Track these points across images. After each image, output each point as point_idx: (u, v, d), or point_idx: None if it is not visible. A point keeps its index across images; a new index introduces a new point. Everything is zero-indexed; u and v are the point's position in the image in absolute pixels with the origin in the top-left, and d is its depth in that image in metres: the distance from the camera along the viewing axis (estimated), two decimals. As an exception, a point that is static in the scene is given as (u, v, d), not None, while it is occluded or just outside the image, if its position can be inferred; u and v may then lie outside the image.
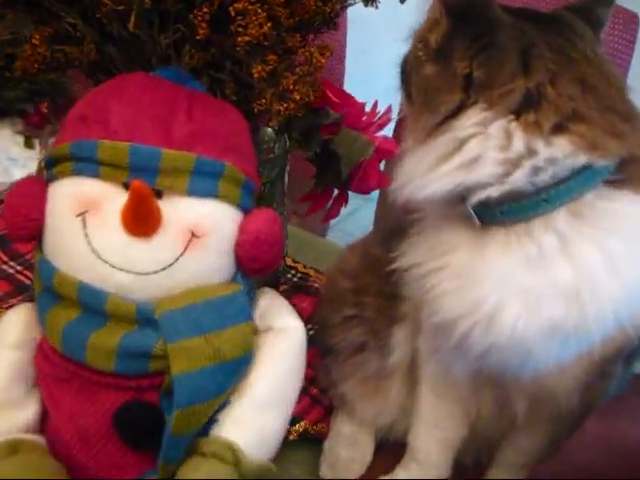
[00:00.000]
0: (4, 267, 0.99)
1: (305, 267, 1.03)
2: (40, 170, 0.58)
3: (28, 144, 1.18)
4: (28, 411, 0.60)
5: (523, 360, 0.52)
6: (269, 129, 0.84)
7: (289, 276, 1.02)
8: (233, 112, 0.60)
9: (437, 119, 0.51)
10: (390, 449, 0.76)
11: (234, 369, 0.55)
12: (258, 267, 0.57)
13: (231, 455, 0.54)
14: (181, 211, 0.54)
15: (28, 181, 0.57)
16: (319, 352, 0.80)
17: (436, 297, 0.54)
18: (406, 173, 0.54)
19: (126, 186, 0.54)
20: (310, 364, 0.82)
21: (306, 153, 0.84)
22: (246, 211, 0.58)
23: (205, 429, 0.56)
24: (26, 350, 0.60)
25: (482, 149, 0.49)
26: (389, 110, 0.86)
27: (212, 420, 0.56)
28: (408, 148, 0.55)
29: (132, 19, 0.59)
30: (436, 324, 0.55)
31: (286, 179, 0.87)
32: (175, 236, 0.54)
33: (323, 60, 0.61)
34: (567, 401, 0.59)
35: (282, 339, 0.60)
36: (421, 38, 0.54)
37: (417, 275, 0.56)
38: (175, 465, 0.54)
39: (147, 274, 0.54)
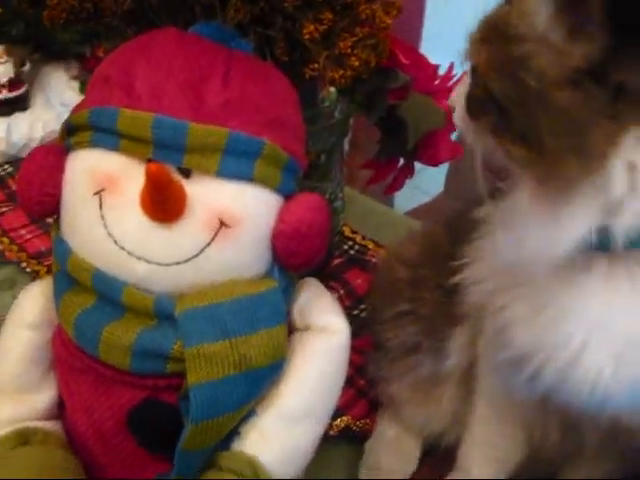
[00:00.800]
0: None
1: (364, 238, 0.95)
2: (61, 136, 0.51)
3: (83, 89, 1.12)
4: (44, 395, 0.55)
5: (602, 404, 0.43)
6: (332, 89, 0.75)
7: (345, 247, 0.94)
8: (280, 78, 0.51)
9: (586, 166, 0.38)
10: (437, 457, 0.68)
11: (261, 378, 0.48)
12: (298, 262, 0.50)
13: (251, 471, 0.48)
14: (210, 195, 0.47)
15: (45, 149, 0.51)
16: (372, 341, 0.72)
17: (508, 325, 0.45)
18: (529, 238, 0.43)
19: (149, 161, 0.46)
20: (360, 351, 0.75)
21: (370, 119, 0.74)
22: (287, 196, 0.50)
23: (227, 441, 0.49)
24: (43, 330, 0.55)
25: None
26: (465, 74, 0.75)
27: (234, 432, 0.49)
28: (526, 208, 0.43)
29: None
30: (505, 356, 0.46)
31: (346, 147, 0.78)
32: (202, 224, 0.47)
33: (389, 20, 0.51)
34: None
35: (322, 341, 0.53)
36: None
37: (485, 292, 0.47)
38: (191, 477, 0.48)
39: (168, 265, 0.47)
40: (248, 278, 0.49)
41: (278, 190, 0.49)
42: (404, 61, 0.70)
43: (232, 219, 0.47)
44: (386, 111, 0.74)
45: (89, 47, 1.11)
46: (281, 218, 0.49)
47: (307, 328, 0.54)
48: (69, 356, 0.53)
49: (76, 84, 1.11)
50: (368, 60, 0.53)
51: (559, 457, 0.60)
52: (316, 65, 0.53)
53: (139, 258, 0.47)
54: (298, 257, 0.49)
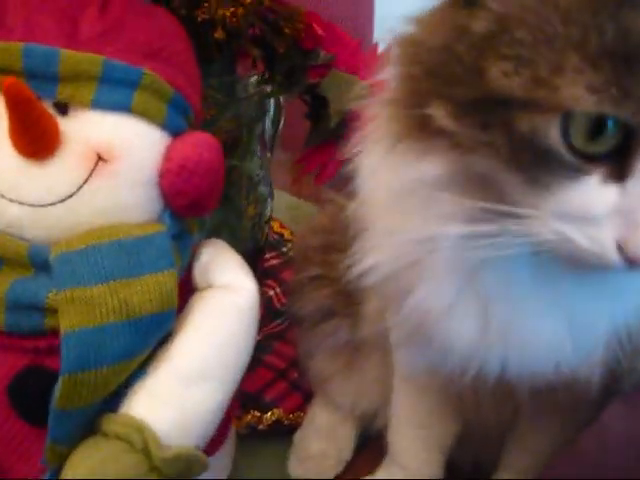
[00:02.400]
0: None
1: (292, 233, 0.92)
2: None
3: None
4: None
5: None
6: (252, 78, 0.73)
7: (284, 250, 0.90)
8: (168, 17, 0.49)
9: None
10: (377, 445, 0.63)
11: (148, 329, 0.44)
12: (185, 203, 0.46)
13: (140, 439, 0.42)
14: (86, 128, 0.43)
15: None
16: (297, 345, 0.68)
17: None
18: None
19: (20, 98, 0.43)
20: (293, 343, 0.71)
21: (290, 97, 0.72)
22: (176, 134, 0.46)
23: (114, 405, 0.44)
24: None
25: None
26: (389, 49, 0.73)
27: (123, 394, 0.44)
28: None
29: None
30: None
31: (270, 132, 0.76)
32: (77, 159, 0.43)
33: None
34: (586, 389, 0.45)
35: (224, 298, 0.49)
36: None
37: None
38: (66, 448, 0.42)
39: (42, 206, 0.43)
40: (134, 222, 0.45)
41: (164, 126, 0.46)
42: (320, 33, 0.68)
43: (110, 153, 0.43)
44: (308, 90, 0.72)
45: None
46: (167, 156, 0.45)
47: (209, 286, 0.49)
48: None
49: None
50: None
51: (497, 430, 0.55)
52: (206, 5, 0.50)
53: (11, 200, 0.43)
54: (184, 197, 0.45)
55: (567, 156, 0.30)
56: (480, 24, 0.31)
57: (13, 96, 0.40)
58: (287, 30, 0.66)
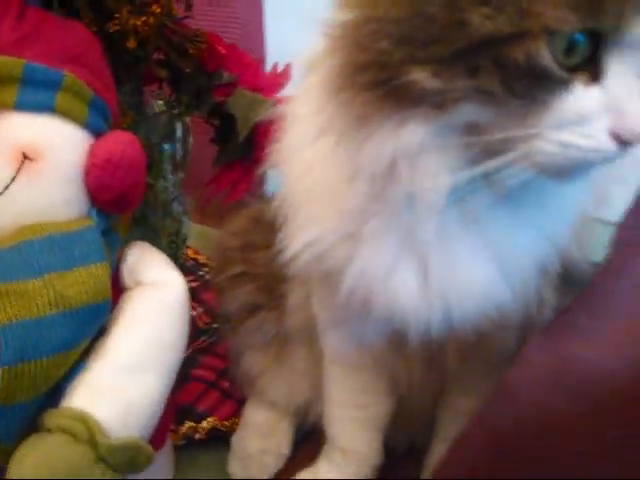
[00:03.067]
0: None
1: (209, 258, 0.93)
2: None
3: None
4: None
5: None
6: (159, 102, 0.76)
7: (201, 273, 0.92)
8: (81, 28, 0.51)
9: None
10: (316, 440, 0.65)
11: (84, 319, 0.44)
12: (111, 198, 0.47)
13: (85, 430, 0.42)
14: (9, 129, 0.44)
15: None
16: (227, 347, 0.70)
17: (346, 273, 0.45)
18: None
19: (-60, 103, 0.43)
20: (221, 356, 0.72)
21: (200, 114, 0.75)
22: (98, 135, 0.48)
23: (55, 402, 0.44)
24: None
25: None
26: (288, 68, 0.78)
27: (63, 389, 0.44)
28: None
29: None
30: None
31: (180, 153, 0.78)
32: (4, 158, 0.44)
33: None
34: (502, 344, 0.50)
35: (154, 293, 0.50)
36: None
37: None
38: (11, 445, 0.42)
39: (-31, 207, 0.43)
40: (62, 219, 0.46)
41: (86, 126, 0.47)
42: (222, 51, 0.72)
43: (36, 152, 0.45)
44: (214, 108, 0.75)
45: None
46: (91, 153, 0.47)
47: (137, 284, 0.51)
48: None
49: None
50: (168, 5, 0.53)
51: (427, 405, 0.58)
52: (117, 16, 0.52)
53: None
54: (110, 191, 0.47)
55: (557, 71, 0.34)
56: None
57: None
58: (191, 51, 0.69)
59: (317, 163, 0.45)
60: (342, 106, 0.38)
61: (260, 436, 0.63)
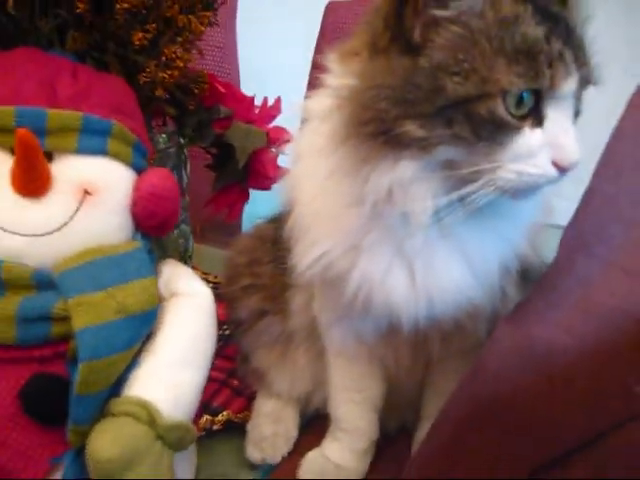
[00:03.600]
0: None
1: (216, 277, 1.02)
2: None
3: None
4: None
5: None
6: (163, 135, 0.85)
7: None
8: (118, 79, 0.60)
9: None
10: (318, 425, 0.75)
11: (140, 323, 0.54)
12: (155, 224, 0.57)
13: (145, 413, 0.52)
14: (72, 169, 0.54)
15: None
16: (238, 348, 0.80)
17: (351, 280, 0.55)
18: None
19: (13, 150, 0.53)
20: (230, 358, 0.82)
21: (204, 150, 0.85)
22: (139, 171, 0.58)
23: (117, 391, 0.54)
24: None
25: None
26: (278, 102, 0.89)
27: (123, 381, 0.54)
28: None
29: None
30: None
31: (185, 180, 0.88)
32: (67, 194, 0.54)
33: (202, 27, 0.63)
34: (475, 333, 0.61)
35: (188, 302, 0.60)
36: None
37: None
38: (86, 428, 0.51)
39: (41, 235, 0.53)
40: (115, 242, 0.56)
41: (131, 165, 0.57)
42: (222, 91, 0.82)
43: (94, 187, 0.54)
44: (215, 140, 0.85)
45: None
46: (137, 187, 0.57)
47: (173, 295, 0.60)
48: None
49: None
50: (190, 60, 0.63)
51: (414, 387, 0.69)
52: (148, 70, 0.62)
53: (13, 232, 0.52)
54: (155, 218, 0.57)
55: (511, 120, 0.46)
56: (426, 61, 0.46)
57: (24, 144, 0.50)
58: (195, 90, 0.79)
59: (322, 194, 0.55)
60: (350, 150, 0.50)
61: (271, 422, 0.73)
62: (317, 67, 1.52)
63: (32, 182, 0.52)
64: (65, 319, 0.52)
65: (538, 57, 0.45)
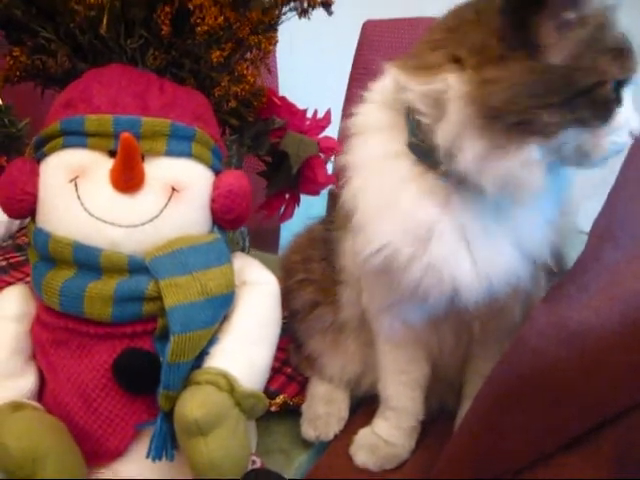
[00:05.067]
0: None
1: None
2: (28, 154, 0.65)
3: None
4: (27, 380, 0.65)
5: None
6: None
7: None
8: (197, 92, 0.69)
9: None
10: (366, 407, 0.82)
11: (220, 304, 0.62)
12: (232, 218, 0.65)
13: (225, 382, 0.59)
14: (162, 169, 0.62)
15: (20, 161, 0.64)
16: (290, 339, 0.87)
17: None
18: None
19: (111, 153, 0.61)
20: (283, 348, 0.90)
21: (258, 159, 0.93)
22: (217, 172, 0.66)
23: (198, 364, 0.61)
24: (24, 323, 0.65)
25: None
26: (328, 114, 0.97)
27: (204, 355, 0.62)
28: None
29: (104, 21, 0.68)
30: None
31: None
32: (158, 191, 0.62)
33: (270, 46, 0.71)
34: (513, 314, 0.68)
35: (258, 289, 0.67)
36: None
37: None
38: (175, 394, 0.59)
39: (135, 226, 0.61)
40: (197, 233, 0.64)
41: (210, 166, 0.65)
42: (279, 103, 0.90)
43: (181, 185, 0.62)
44: (270, 148, 0.93)
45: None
46: (216, 186, 0.65)
47: (244, 283, 0.68)
48: (50, 334, 0.64)
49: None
50: (259, 76, 0.71)
51: (456, 368, 0.76)
52: (222, 84, 0.71)
53: (112, 224, 0.60)
54: (231, 213, 0.65)
55: (614, 102, 0.57)
56: (556, 59, 0.55)
57: (126, 147, 0.58)
58: (255, 103, 0.87)
59: (389, 192, 0.63)
60: (484, 139, 0.56)
61: (324, 403, 0.81)
62: (355, 82, 1.61)
63: (130, 180, 0.60)
64: (155, 299, 0.60)
65: (626, 54, 0.57)
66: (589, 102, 0.56)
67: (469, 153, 0.57)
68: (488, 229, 0.61)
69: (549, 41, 0.55)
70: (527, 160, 0.57)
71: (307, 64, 1.91)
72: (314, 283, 0.82)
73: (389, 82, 0.65)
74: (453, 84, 0.57)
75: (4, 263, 1.18)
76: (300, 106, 0.97)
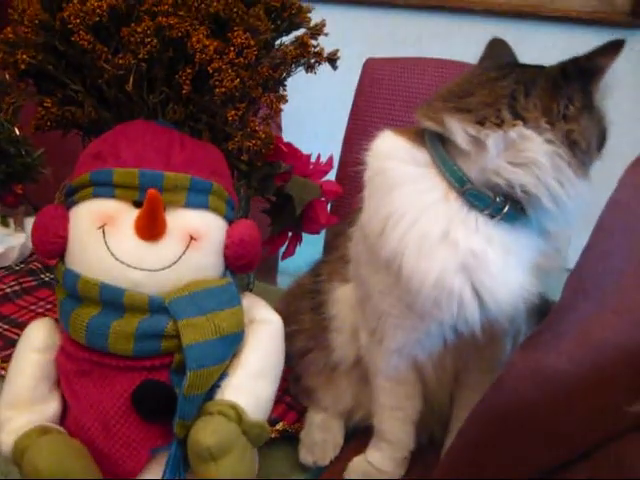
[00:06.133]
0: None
1: None
2: (58, 200, 0.72)
3: (4, 222, 1.30)
4: (51, 406, 0.71)
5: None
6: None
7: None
8: (213, 147, 0.76)
9: None
10: (359, 437, 0.89)
11: (231, 342, 0.68)
12: (243, 264, 0.72)
13: (234, 413, 0.66)
14: (181, 219, 0.69)
15: (52, 207, 0.71)
16: (291, 370, 0.94)
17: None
18: None
19: (136, 204, 0.68)
20: (283, 378, 0.96)
21: (263, 199, 1.00)
22: (230, 222, 0.73)
23: (210, 396, 0.68)
24: (49, 353, 0.71)
25: None
26: (331, 160, 1.04)
27: (215, 388, 0.68)
28: None
29: (131, 80, 0.75)
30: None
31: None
32: (177, 239, 0.68)
33: (281, 105, 0.78)
34: (504, 346, 0.75)
35: (264, 327, 0.74)
36: None
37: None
38: (189, 422, 0.65)
39: (156, 270, 0.67)
40: (211, 277, 0.71)
41: (224, 217, 0.72)
42: (286, 150, 0.97)
43: (198, 234, 0.69)
44: (275, 191, 1.00)
45: (7, 187, 1.30)
46: (229, 234, 0.72)
47: (251, 322, 0.74)
48: (74, 364, 0.70)
49: (-3, 217, 1.29)
50: (270, 133, 0.79)
51: (445, 402, 0.83)
52: (236, 139, 0.78)
53: (135, 268, 0.67)
54: (244, 259, 0.72)
55: None
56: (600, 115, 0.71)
57: (152, 200, 0.65)
58: (264, 151, 0.94)
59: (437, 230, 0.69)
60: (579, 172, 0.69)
61: (321, 430, 0.87)
62: (356, 114, 1.68)
63: (153, 230, 0.67)
64: (173, 337, 0.67)
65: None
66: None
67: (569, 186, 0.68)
68: (511, 254, 0.69)
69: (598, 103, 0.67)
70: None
71: (308, 99, 1.98)
72: (305, 332, 0.89)
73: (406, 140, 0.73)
74: (532, 135, 0.66)
75: (17, 287, 1.23)
76: (301, 144, 1.04)
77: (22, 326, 0.75)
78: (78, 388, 0.70)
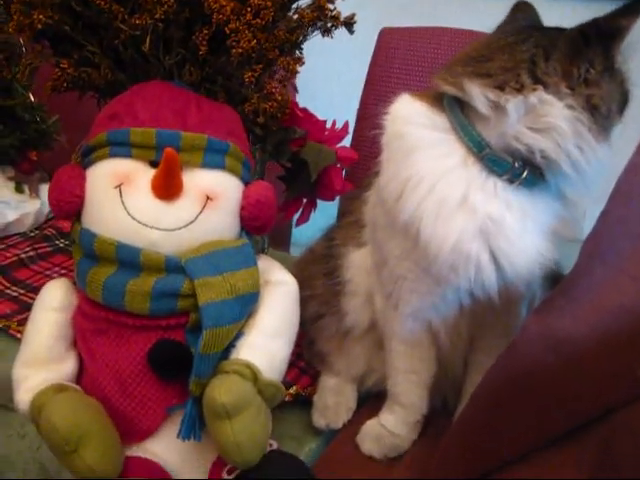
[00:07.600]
0: (8, 292, 1.10)
1: None
2: (74, 160, 0.72)
3: (18, 189, 1.30)
4: (68, 364, 0.71)
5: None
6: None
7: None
8: (230, 108, 0.76)
9: None
10: (371, 402, 0.89)
11: (246, 302, 0.69)
12: (259, 225, 0.72)
13: (250, 372, 0.66)
14: (198, 180, 0.69)
15: (69, 167, 0.71)
16: (304, 335, 0.94)
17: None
18: None
19: (153, 164, 0.68)
20: (297, 343, 0.97)
21: (279, 164, 1.00)
22: (246, 183, 0.73)
23: (226, 355, 0.68)
24: (66, 312, 0.72)
25: None
26: (346, 125, 1.03)
27: (231, 347, 0.68)
28: None
29: (147, 41, 0.74)
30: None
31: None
32: (194, 199, 0.68)
33: (298, 68, 0.77)
34: (520, 311, 0.75)
35: (279, 288, 0.74)
36: None
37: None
38: (205, 381, 0.66)
39: (173, 230, 0.68)
40: (227, 238, 0.71)
41: (241, 178, 0.72)
42: (301, 115, 0.97)
43: (214, 194, 0.69)
44: (291, 156, 1.00)
45: (22, 153, 1.30)
46: (245, 195, 0.72)
47: (267, 283, 0.75)
48: (91, 323, 0.70)
49: (12, 184, 1.29)
50: (286, 95, 0.78)
51: (458, 365, 0.83)
52: (253, 101, 0.77)
53: (152, 227, 0.67)
54: (259, 220, 0.72)
55: None
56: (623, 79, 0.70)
57: (169, 159, 0.65)
58: (279, 115, 0.93)
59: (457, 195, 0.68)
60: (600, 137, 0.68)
61: (334, 394, 0.88)
62: (372, 84, 1.66)
63: (170, 189, 0.67)
64: (189, 296, 0.67)
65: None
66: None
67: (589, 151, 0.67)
68: (528, 219, 0.68)
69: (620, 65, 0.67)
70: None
71: (323, 69, 1.97)
72: (317, 297, 0.89)
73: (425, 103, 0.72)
74: (552, 100, 0.66)
75: (32, 253, 1.23)
76: (316, 112, 1.04)
77: (37, 291, 0.75)
78: (95, 347, 0.70)
